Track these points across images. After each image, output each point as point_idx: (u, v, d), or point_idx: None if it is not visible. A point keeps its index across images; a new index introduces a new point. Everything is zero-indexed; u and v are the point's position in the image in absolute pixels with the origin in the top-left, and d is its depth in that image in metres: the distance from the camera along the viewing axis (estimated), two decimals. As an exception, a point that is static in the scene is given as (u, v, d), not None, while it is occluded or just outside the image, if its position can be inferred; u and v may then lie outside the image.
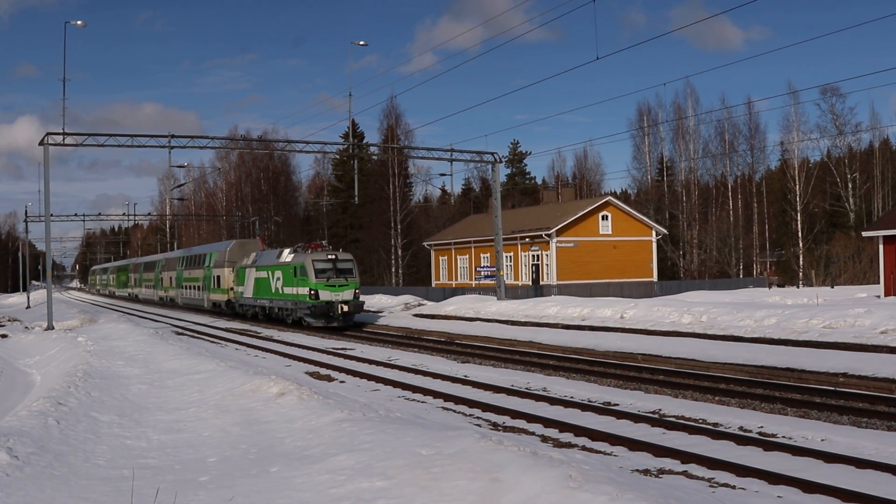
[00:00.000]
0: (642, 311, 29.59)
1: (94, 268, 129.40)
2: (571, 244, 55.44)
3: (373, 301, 49.14)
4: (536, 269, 56.55)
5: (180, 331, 35.83)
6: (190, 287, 54.86)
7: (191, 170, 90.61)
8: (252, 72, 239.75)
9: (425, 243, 71.56)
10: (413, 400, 15.95)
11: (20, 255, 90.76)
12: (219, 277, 47.07)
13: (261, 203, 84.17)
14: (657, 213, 71.16)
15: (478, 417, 13.80)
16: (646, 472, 9.71)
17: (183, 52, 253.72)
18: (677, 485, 8.47)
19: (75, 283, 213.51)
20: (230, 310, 44.88)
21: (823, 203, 71.41)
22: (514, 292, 50.36)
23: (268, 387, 14.38)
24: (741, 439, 11.29)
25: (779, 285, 59.60)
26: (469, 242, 63.57)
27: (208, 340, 31.30)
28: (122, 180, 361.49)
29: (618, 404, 14.53)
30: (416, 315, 39.96)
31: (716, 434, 11.66)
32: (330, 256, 33.63)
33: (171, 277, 61.93)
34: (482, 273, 52.64)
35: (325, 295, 32.65)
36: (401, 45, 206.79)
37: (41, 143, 34.72)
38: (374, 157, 74.04)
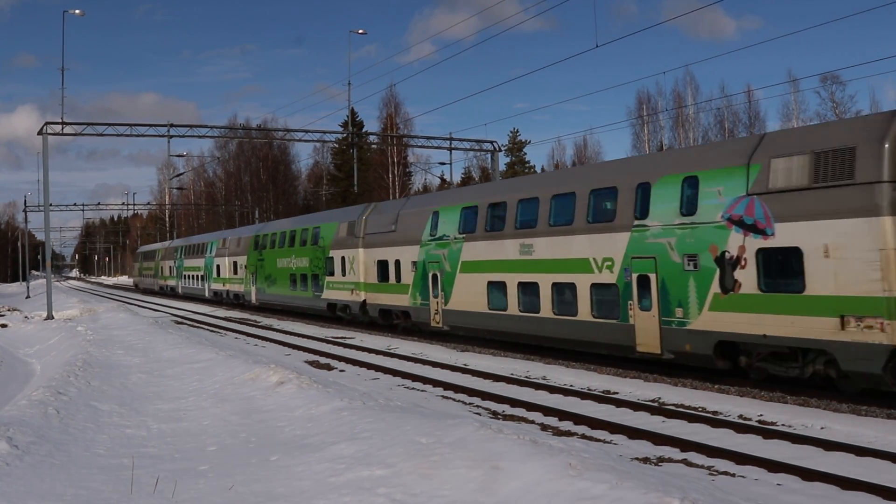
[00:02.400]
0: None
1: (143, 249, 79.98)
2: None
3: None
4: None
5: (179, 321, 35.81)
6: None
7: (190, 159, 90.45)
8: (251, 61, 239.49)
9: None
10: (413, 388, 15.97)
11: (19, 244, 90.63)
12: None
13: (260, 192, 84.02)
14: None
15: (477, 406, 13.82)
16: (645, 460, 9.72)
17: (182, 42, 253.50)
18: (677, 473, 8.48)
19: (75, 273, 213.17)
20: None
21: (824, 191, 71.26)
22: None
23: (267, 375, 14.37)
24: (741, 427, 11.31)
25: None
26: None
27: (207, 329, 31.32)
28: (121, 170, 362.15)
29: (617, 392, 14.55)
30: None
31: (715, 422, 11.68)
32: None
33: None
34: None
35: None
36: (399, 35, 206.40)
37: (40, 133, 34.67)
38: (374, 146, 73.85)
